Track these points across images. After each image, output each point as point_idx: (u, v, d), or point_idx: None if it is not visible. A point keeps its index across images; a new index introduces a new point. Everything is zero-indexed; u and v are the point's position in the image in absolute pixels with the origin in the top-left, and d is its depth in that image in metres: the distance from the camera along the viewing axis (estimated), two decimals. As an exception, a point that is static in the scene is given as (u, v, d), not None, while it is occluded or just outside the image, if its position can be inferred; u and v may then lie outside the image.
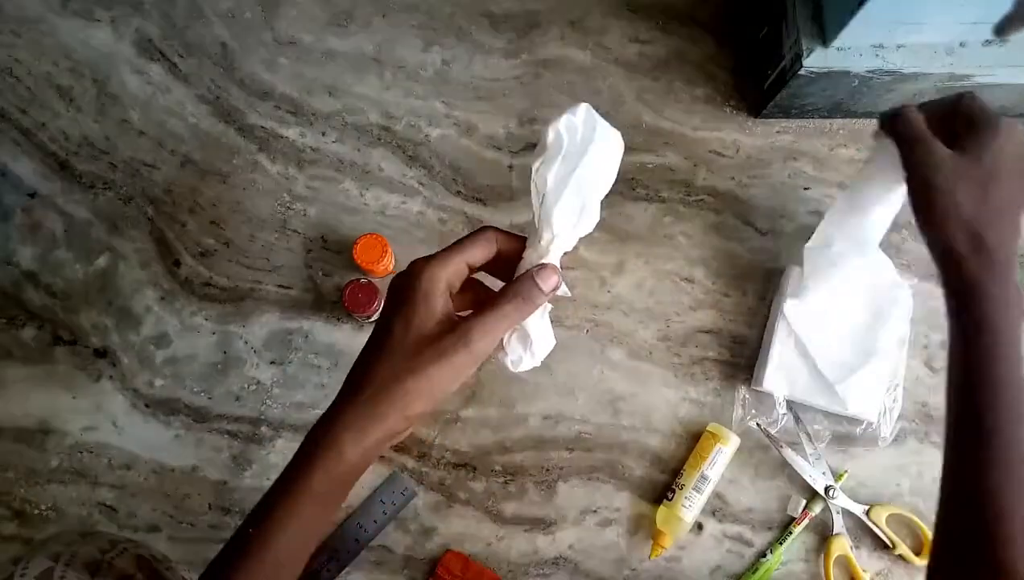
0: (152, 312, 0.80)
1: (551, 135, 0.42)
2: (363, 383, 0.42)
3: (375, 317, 0.79)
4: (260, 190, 0.83)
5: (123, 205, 0.82)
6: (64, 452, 0.77)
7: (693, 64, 0.87)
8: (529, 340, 0.45)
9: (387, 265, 0.79)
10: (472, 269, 0.46)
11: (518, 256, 0.46)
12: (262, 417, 0.78)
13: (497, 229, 0.46)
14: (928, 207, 0.57)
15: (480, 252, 0.45)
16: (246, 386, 0.79)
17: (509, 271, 0.46)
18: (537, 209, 0.44)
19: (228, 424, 0.78)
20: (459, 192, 0.83)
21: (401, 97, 0.85)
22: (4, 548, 0.75)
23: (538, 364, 0.46)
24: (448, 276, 0.43)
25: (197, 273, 0.81)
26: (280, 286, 0.81)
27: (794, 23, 0.75)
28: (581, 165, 0.43)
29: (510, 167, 0.84)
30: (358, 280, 0.76)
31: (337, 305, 0.80)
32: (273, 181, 0.83)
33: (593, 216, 0.45)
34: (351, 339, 0.80)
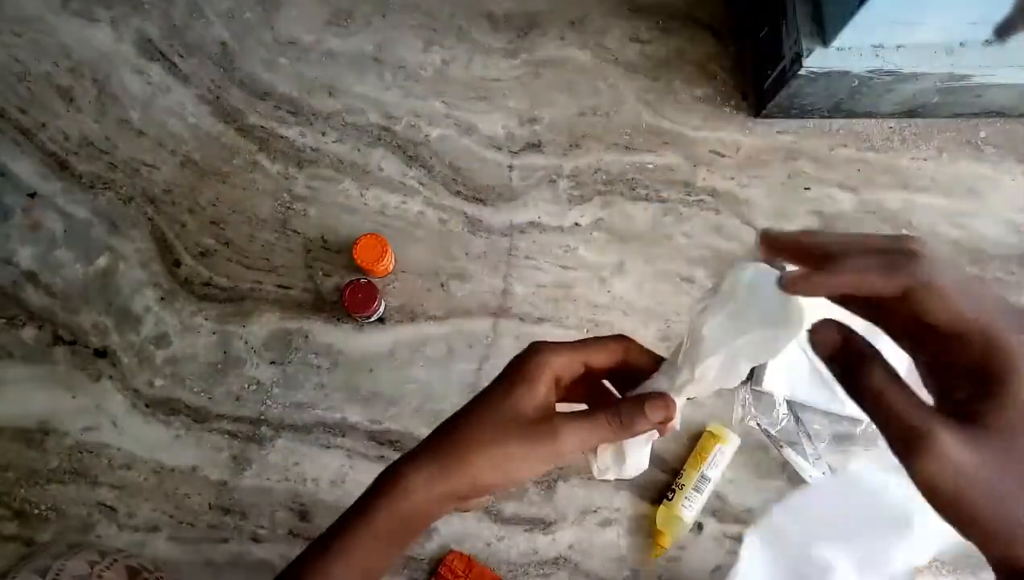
0: (152, 312, 0.80)
1: (727, 284, 0.39)
2: (445, 435, 0.43)
3: (375, 317, 0.79)
4: (260, 190, 0.83)
5: (123, 205, 0.82)
6: (64, 452, 0.77)
7: (693, 64, 0.87)
8: (622, 459, 0.44)
9: (387, 265, 0.78)
10: (591, 370, 0.44)
11: (646, 374, 0.43)
12: (262, 417, 0.78)
13: (633, 342, 0.44)
14: (962, 521, 0.33)
15: (604, 356, 0.43)
16: (246, 386, 0.79)
17: (631, 385, 0.43)
18: (686, 345, 0.41)
19: (228, 424, 0.78)
20: (459, 192, 0.83)
21: (401, 97, 0.85)
22: (4, 548, 0.75)
23: (625, 477, 0.45)
24: (559, 368, 0.42)
25: (197, 273, 0.81)
26: (280, 286, 0.81)
27: (794, 23, 0.75)
28: (750, 333, 0.39)
29: (510, 167, 0.84)
30: (358, 280, 0.76)
31: (337, 305, 0.80)
32: (273, 181, 0.83)
33: (737, 377, 0.40)
34: (351, 339, 0.80)
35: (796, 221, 0.84)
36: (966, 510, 0.32)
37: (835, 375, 0.36)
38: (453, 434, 0.42)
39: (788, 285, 0.35)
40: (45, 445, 0.77)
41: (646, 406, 0.41)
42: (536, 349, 0.43)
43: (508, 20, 0.87)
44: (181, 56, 0.85)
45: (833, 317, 0.37)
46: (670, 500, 0.76)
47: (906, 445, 0.33)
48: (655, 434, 0.43)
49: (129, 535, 0.76)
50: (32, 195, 0.82)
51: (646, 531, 0.78)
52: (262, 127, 0.84)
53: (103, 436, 0.78)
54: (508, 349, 0.80)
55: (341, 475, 0.77)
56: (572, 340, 0.43)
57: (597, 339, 0.43)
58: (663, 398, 0.41)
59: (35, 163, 0.83)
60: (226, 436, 0.78)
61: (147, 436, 0.78)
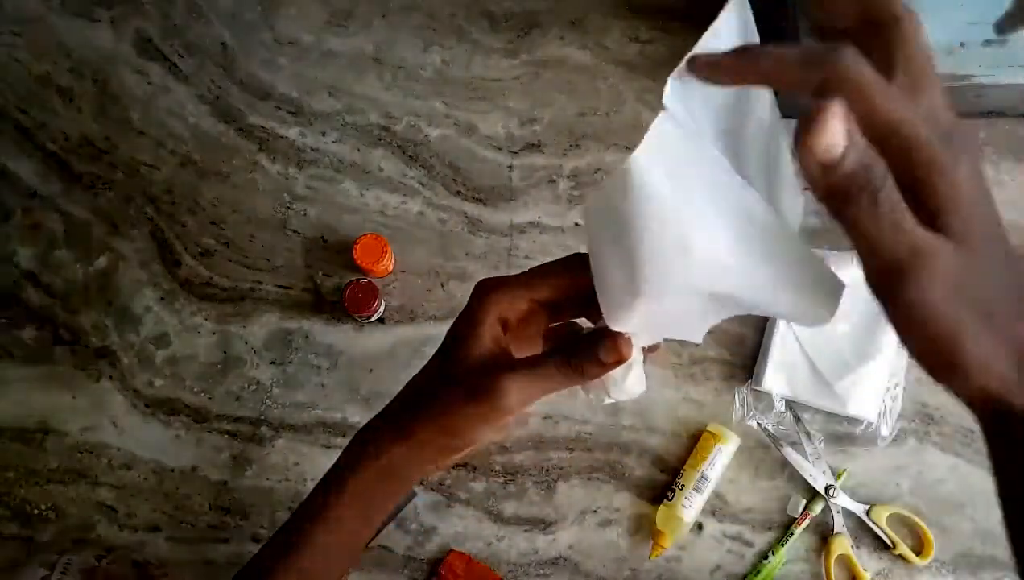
0: (152, 312, 0.80)
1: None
2: (403, 397, 0.40)
3: (375, 317, 0.79)
4: (260, 190, 0.83)
5: (123, 205, 0.82)
6: (64, 452, 0.77)
7: (693, 64, 0.86)
8: (617, 381, 0.38)
9: (387, 265, 0.79)
10: (539, 303, 0.38)
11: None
12: (262, 417, 0.78)
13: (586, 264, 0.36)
14: (947, 350, 0.28)
15: (549, 287, 0.37)
16: (246, 386, 0.79)
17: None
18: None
19: (228, 424, 0.78)
20: (459, 192, 0.83)
21: (401, 97, 0.85)
22: (4, 548, 0.75)
23: (623, 398, 0.40)
24: (501, 309, 0.37)
25: (197, 273, 0.81)
26: (280, 286, 0.81)
27: (794, 23, 0.75)
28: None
29: (510, 167, 0.84)
30: (358, 280, 0.76)
31: (337, 305, 0.80)
32: (273, 181, 0.83)
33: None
34: (351, 339, 0.80)
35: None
36: (952, 335, 0.28)
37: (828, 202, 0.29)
38: (408, 395, 0.40)
39: (696, 69, 0.30)
40: (45, 445, 0.77)
41: (599, 348, 0.35)
42: (478, 290, 0.38)
43: (508, 20, 0.87)
44: (181, 56, 0.85)
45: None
46: (670, 500, 0.76)
47: (901, 265, 0.27)
48: (639, 357, 0.38)
49: (129, 535, 0.76)
50: (32, 195, 0.82)
51: (646, 531, 0.78)
52: (262, 127, 0.84)
53: (103, 436, 0.78)
54: (508, 349, 0.80)
55: (341, 475, 0.77)
56: (519, 272, 0.38)
57: (542, 266, 0.37)
58: (615, 339, 0.35)
59: (35, 163, 0.83)
60: (226, 436, 0.78)
61: (147, 436, 0.78)
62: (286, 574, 0.41)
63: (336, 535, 0.42)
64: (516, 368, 0.36)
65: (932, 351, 0.29)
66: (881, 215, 0.26)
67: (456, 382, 0.37)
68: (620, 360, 0.36)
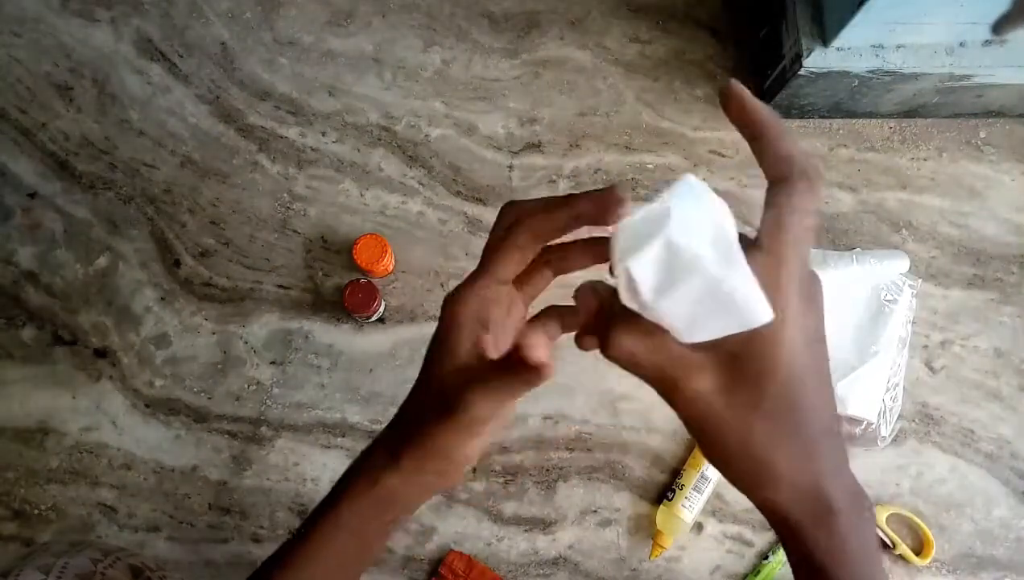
0: (152, 312, 0.80)
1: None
2: (397, 418, 0.39)
3: (375, 317, 0.79)
4: (260, 190, 0.83)
5: (123, 205, 0.82)
6: (64, 452, 0.77)
7: (693, 64, 0.86)
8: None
9: (387, 265, 0.78)
10: (512, 283, 0.36)
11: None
12: (262, 417, 0.78)
13: (534, 210, 0.33)
14: (718, 462, 0.34)
15: (508, 263, 0.34)
16: (246, 386, 0.79)
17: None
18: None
19: (228, 424, 0.78)
20: (459, 192, 0.83)
21: (401, 97, 0.85)
22: (4, 548, 0.75)
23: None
24: (474, 310, 0.34)
25: (197, 273, 0.81)
26: (280, 286, 0.81)
27: (794, 23, 0.75)
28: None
29: (510, 167, 0.84)
30: (358, 280, 0.76)
31: (337, 305, 0.80)
32: (273, 181, 0.83)
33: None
34: (351, 339, 0.80)
35: (796, 221, 0.84)
36: (720, 450, 0.32)
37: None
38: (397, 421, 0.39)
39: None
40: (45, 445, 0.77)
41: (582, 340, 0.34)
42: (444, 305, 0.35)
43: (508, 20, 0.87)
44: (181, 56, 0.85)
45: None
46: (670, 500, 0.76)
47: (666, 386, 0.32)
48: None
49: (129, 535, 0.76)
50: (32, 195, 0.82)
51: (646, 531, 0.78)
52: (262, 127, 0.84)
53: (103, 436, 0.78)
54: (508, 349, 0.80)
55: (341, 475, 0.77)
56: (479, 268, 0.36)
57: (494, 250, 0.35)
58: (531, 335, 0.30)
59: (35, 163, 0.83)
60: (226, 436, 0.78)
61: (147, 436, 0.78)
62: None
63: (332, 565, 0.41)
64: (481, 377, 0.34)
65: (710, 459, 0.34)
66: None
67: (431, 403, 0.35)
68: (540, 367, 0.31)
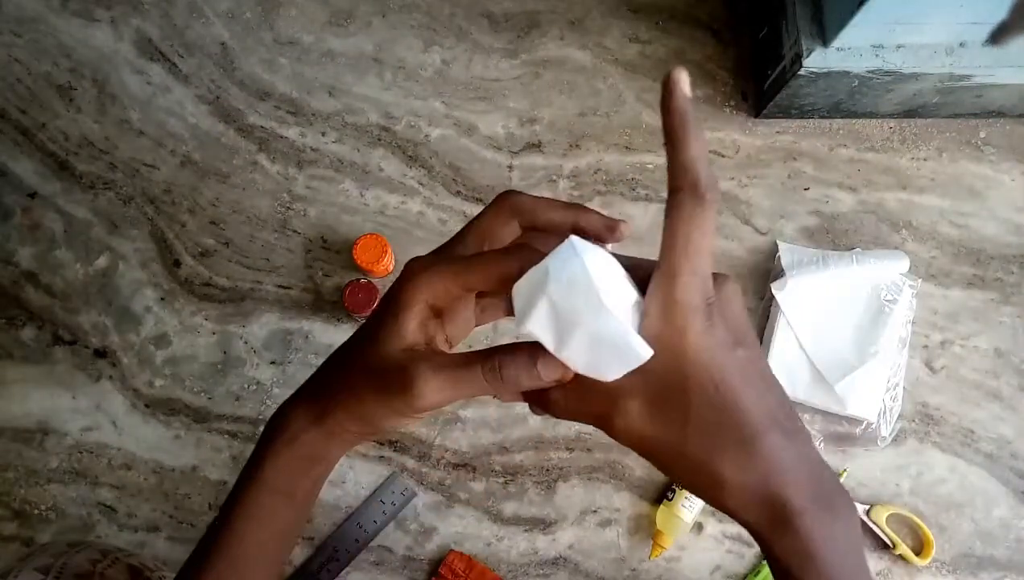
0: (152, 312, 0.80)
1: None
2: (322, 374, 0.39)
3: (375, 317, 0.79)
4: (260, 190, 0.83)
5: (123, 205, 0.82)
6: (64, 452, 0.77)
7: (693, 64, 0.86)
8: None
9: (387, 265, 0.79)
10: (473, 291, 0.35)
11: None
12: (262, 417, 0.78)
13: (534, 253, 0.32)
14: (668, 474, 0.37)
15: (486, 278, 0.33)
16: (246, 386, 0.79)
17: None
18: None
19: (228, 424, 0.78)
20: (459, 192, 0.83)
21: (401, 97, 0.85)
22: (4, 548, 0.75)
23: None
24: (431, 294, 0.34)
25: (197, 273, 0.81)
26: (280, 286, 0.81)
27: (794, 23, 0.75)
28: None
29: (510, 167, 0.84)
30: (358, 280, 0.76)
31: (337, 305, 0.80)
32: (273, 181, 0.83)
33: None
34: (351, 339, 0.80)
35: (796, 221, 0.84)
36: (668, 468, 0.35)
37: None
38: (324, 378, 0.38)
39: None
40: (45, 445, 0.77)
41: (539, 363, 0.32)
42: (407, 273, 0.35)
43: (508, 20, 0.87)
44: (181, 56, 0.85)
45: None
46: (670, 500, 0.76)
47: (603, 424, 0.34)
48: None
49: (129, 535, 0.76)
50: (32, 195, 0.82)
51: (646, 531, 0.78)
52: (262, 127, 0.84)
53: (103, 436, 0.78)
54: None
55: (341, 475, 0.77)
56: (454, 257, 0.35)
57: (481, 256, 0.34)
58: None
59: (35, 163, 0.83)
60: (226, 436, 0.78)
61: (147, 436, 0.78)
62: (216, 575, 0.40)
63: (265, 525, 0.40)
64: (437, 367, 0.33)
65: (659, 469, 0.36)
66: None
67: (371, 372, 0.35)
68: (563, 378, 0.33)
